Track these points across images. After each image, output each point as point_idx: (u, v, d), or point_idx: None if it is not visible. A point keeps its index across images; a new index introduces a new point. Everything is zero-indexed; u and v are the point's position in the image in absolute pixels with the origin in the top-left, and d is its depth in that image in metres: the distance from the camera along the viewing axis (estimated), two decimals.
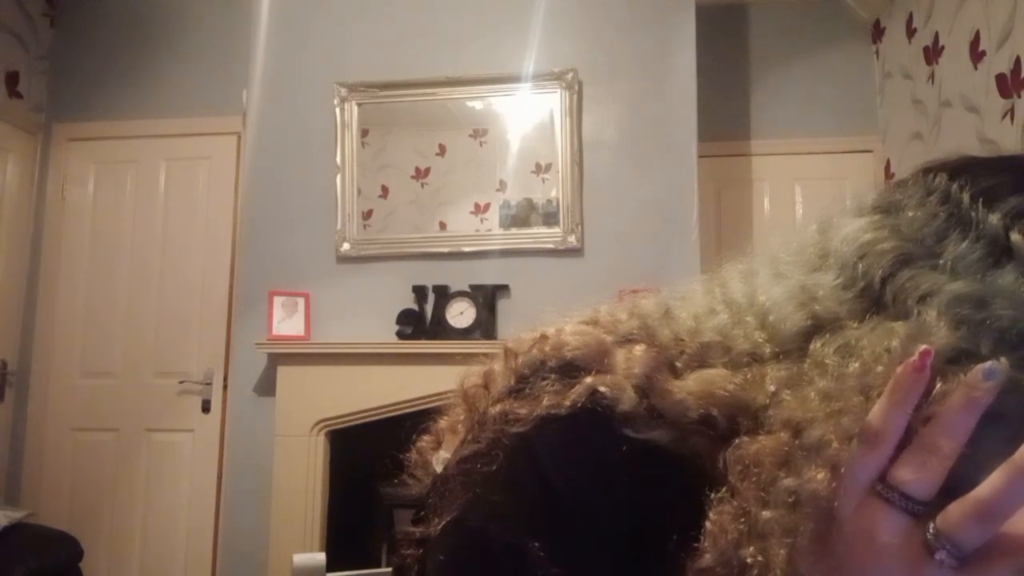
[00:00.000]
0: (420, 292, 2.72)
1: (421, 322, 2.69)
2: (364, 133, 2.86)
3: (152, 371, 3.21)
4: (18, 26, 3.30)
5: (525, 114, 2.81)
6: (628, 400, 0.42)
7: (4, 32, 3.23)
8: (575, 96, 2.76)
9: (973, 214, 0.41)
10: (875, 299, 0.41)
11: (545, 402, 0.44)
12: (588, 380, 0.44)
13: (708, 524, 0.39)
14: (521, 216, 2.78)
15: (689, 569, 0.39)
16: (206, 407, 3.15)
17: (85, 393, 3.25)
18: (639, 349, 0.46)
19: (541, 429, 0.43)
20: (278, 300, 2.70)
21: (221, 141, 3.30)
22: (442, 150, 2.84)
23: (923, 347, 0.36)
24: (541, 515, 0.41)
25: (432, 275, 2.74)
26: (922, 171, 0.47)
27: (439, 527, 0.45)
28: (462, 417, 0.53)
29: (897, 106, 3.13)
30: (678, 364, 0.45)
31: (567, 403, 0.43)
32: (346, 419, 2.66)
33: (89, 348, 3.26)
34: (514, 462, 0.43)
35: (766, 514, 0.37)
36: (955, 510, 0.34)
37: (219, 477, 3.09)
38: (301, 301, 2.72)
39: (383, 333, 2.69)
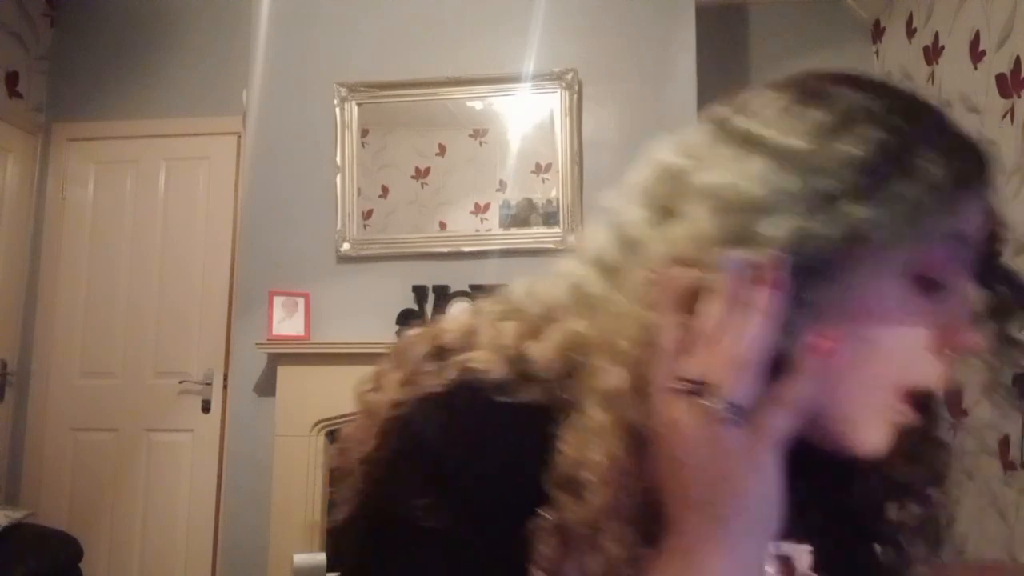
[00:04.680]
0: (420, 292, 2.72)
1: (421, 322, 2.69)
2: (364, 133, 2.86)
3: (152, 371, 3.21)
4: (18, 26, 3.30)
5: (525, 114, 2.81)
6: (497, 369, 0.46)
7: (4, 32, 3.23)
8: (575, 96, 2.76)
9: (736, 124, 0.47)
10: (665, 215, 0.47)
11: (424, 384, 0.47)
12: (459, 358, 0.47)
13: (562, 445, 0.43)
14: (521, 216, 2.78)
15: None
16: (206, 407, 3.15)
17: (85, 393, 3.25)
18: (507, 324, 0.49)
19: (419, 409, 0.46)
20: (278, 300, 2.70)
21: (221, 141, 3.30)
22: (442, 150, 2.84)
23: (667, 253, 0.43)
24: (424, 489, 0.44)
25: (432, 275, 2.74)
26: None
27: (341, 518, 0.48)
28: (363, 422, 0.54)
29: None
30: (543, 329, 0.48)
31: (443, 382, 0.46)
32: (346, 419, 2.65)
33: (89, 348, 3.26)
34: (397, 443, 0.46)
35: (592, 416, 0.42)
36: (716, 369, 0.39)
37: (219, 477, 3.09)
38: (301, 301, 2.72)
39: (383, 333, 2.69)
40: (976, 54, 2.46)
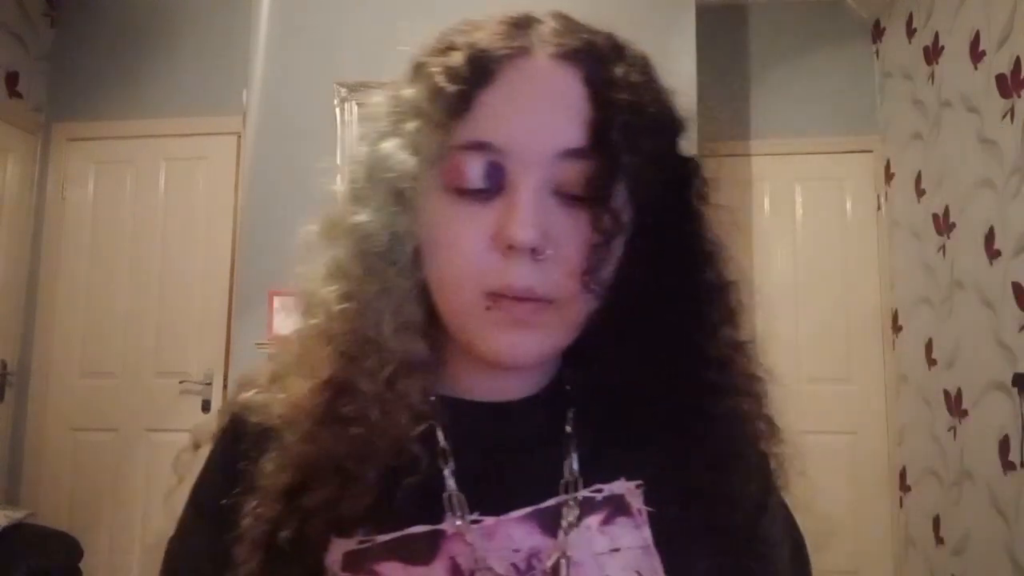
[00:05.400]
0: None
1: None
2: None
3: (152, 371, 3.21)
4: (18, 26, 3.30)
5: None
6: (243, 398, 0.55)
7: (4, 32, 3.23)
8: None
9: None
10: None
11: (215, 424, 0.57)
12: (239, 397, 0.56)
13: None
14: None
15: None
16: (206, 407, 3.15)
17: (85, 393, 3.24)
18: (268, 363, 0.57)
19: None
20: (278, 300, 2.70)
21: (220, 141, 3.30)
22: None
23: None
24: (198, 509, 0.57)
25: None
26: None
27: None
28: None
29: (897, 106, 3.13)
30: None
31: (223, 419, 0.57)
32: None
33: (89, 348, 3.26)
34: None
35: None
36: None
37: None
38: None
39: None
40: (976, 54, 2.46)
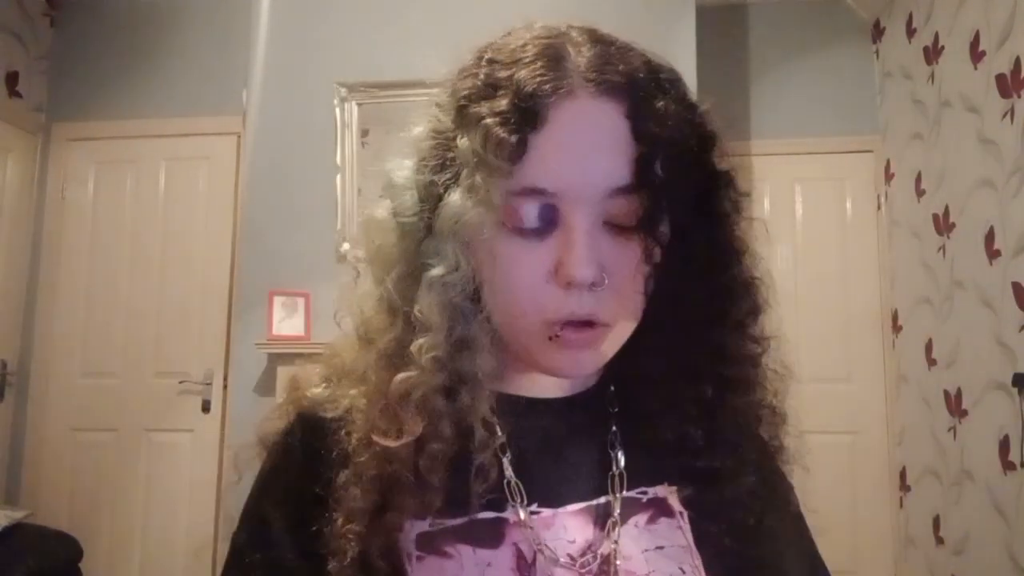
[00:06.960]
0: None
1: None
2: (364, 133, 2.86)
3: (152, 371, 3.21)
4: (18, 26, 3.30)
5: None
6: (312, 394, 0.57)
7: (4, 32, 3.23)
8: None
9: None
10: None
11: (283, 412, 0.60)
12: (305, 393, 0.59)
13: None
14: None
15: None
16: (206, 407, 3.15)
17: (85, 393, 3.25)
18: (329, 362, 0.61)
19: (273, 432, 0.59)
20: (278, 300, 2.70)
21: (221, 141, 3.30)
22: None
23: None
24: (258, 481, 0.58)
25: None
26: None
27: None
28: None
29: (897, 106, 3.13)
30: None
31: (291, 410, 0.59)
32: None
33: (89, 348, 3.26)
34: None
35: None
36: None
37: (219, 477, 3.09)
38: (301, 301, 2.72)
39: None
40: (976, 54, 2.46)
